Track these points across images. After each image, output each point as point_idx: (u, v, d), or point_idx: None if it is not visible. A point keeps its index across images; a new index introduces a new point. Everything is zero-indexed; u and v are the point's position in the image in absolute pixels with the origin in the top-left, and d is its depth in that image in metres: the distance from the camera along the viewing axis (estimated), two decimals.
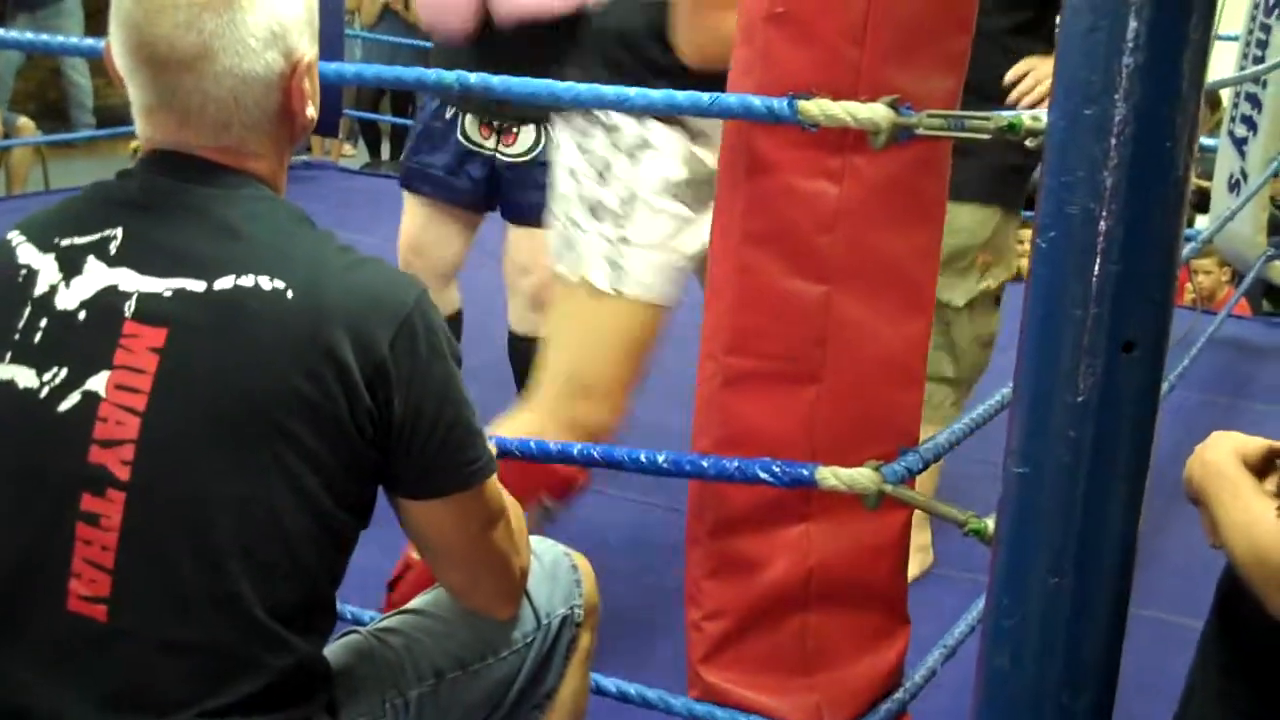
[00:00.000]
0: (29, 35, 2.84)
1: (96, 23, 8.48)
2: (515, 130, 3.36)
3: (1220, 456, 1.44)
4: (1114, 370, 1.18)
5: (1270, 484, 1.42)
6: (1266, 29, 4.99)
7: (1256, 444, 1.46)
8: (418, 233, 3.53)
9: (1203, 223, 5.90)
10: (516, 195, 3.39)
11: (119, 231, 1.39)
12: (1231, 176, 5.22)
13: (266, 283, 1.35)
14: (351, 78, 2.26)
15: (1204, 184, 5.78)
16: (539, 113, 3.21)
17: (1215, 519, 1.41)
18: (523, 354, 3.22)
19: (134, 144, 5.86)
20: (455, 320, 3.64)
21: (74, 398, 1.35)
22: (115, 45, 1.42)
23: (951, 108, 1.77)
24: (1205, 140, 5.29)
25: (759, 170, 1.80)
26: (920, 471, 1.88)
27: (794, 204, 1.79)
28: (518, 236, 3.44)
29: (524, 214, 3.35)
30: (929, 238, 1.85)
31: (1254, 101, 5.11)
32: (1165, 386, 1.31)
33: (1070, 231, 1.18)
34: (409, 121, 8.66)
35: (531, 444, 2.02)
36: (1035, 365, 1.21)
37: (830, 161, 1.77)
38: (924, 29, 1.76)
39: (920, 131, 1.63)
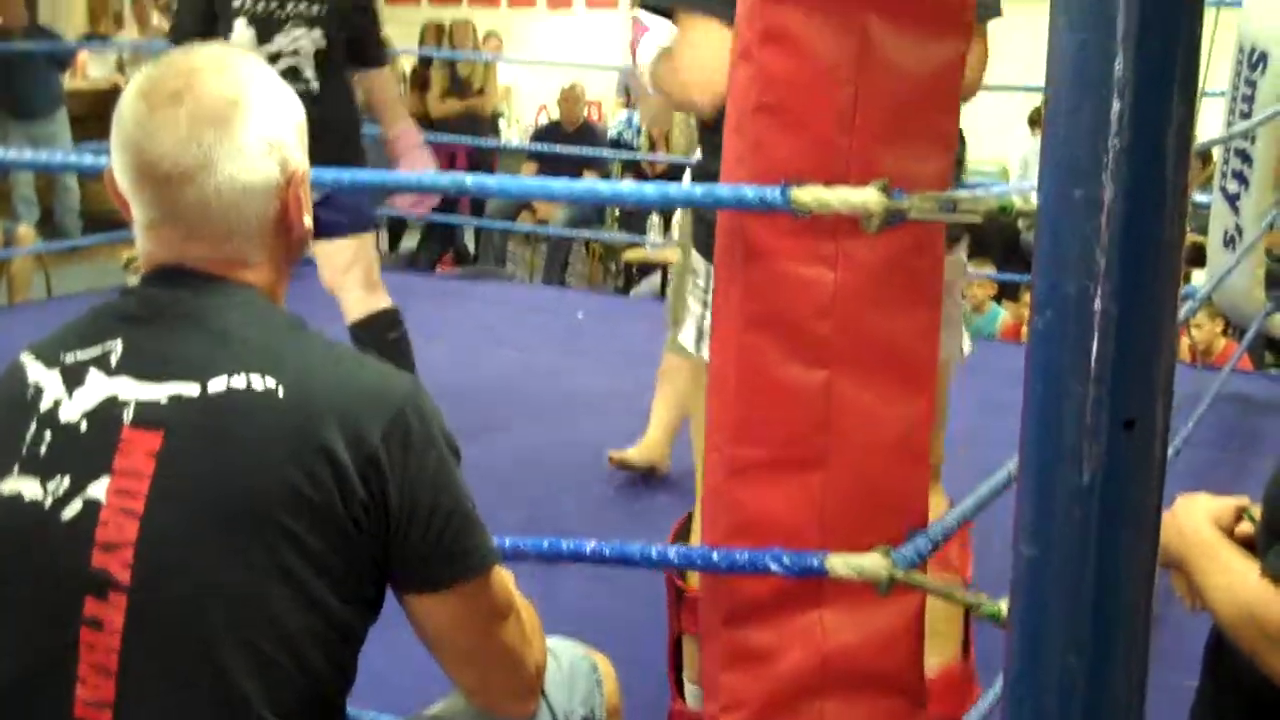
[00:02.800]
0: (29, 154, 2.89)
1: (81, 129, 8.62)
2: None
3: (1194, 521, 1.45)
4: (1117, 449, 1.17)
5: (1242, 533, 1.43)
6: (1251, 84, 5.03)
7: (1226, 504, 1.47)
8: None
9: (1199, 278, 5.91)
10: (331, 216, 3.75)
11: (118, 344, 1.43)
12: (1226, 232, 5.24)
13: (259, 382, 1.37)
14: (359, 182, 2.28)
15: (1198, 239, 5.80)
16: None
17: (1197, 583, 1.41)
18: (372, 332, 3.86)
19: (127, 254, 5.94)
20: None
21: (76, 505, 1.37)
22: (117, 166, 1.45)
23: (943, 188, 1.78)
24: (1197, 196, 5.32)
25: (754, 258, 1.81)
26: (931, 554, 1.88)
27: (791, 290, 1.80)
28: (328, 250, 3.91)
29: (342, 229, 3.87)
30: (927, 317, 1.86)
31: (1244, 157, 5.14)
32: (1171, 451, 1.31)
33: (1066, 311, 1.18)
34: (427, 217, 8.86)
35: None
36: (1038, 446, 1.21)
37: (825, 247, 1.78)
38: (911, 112, 1.77)
39: (913, 215, 1.64)
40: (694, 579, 2.38)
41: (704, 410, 2.30)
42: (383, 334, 3.88)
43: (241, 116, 1.42)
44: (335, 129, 3.82)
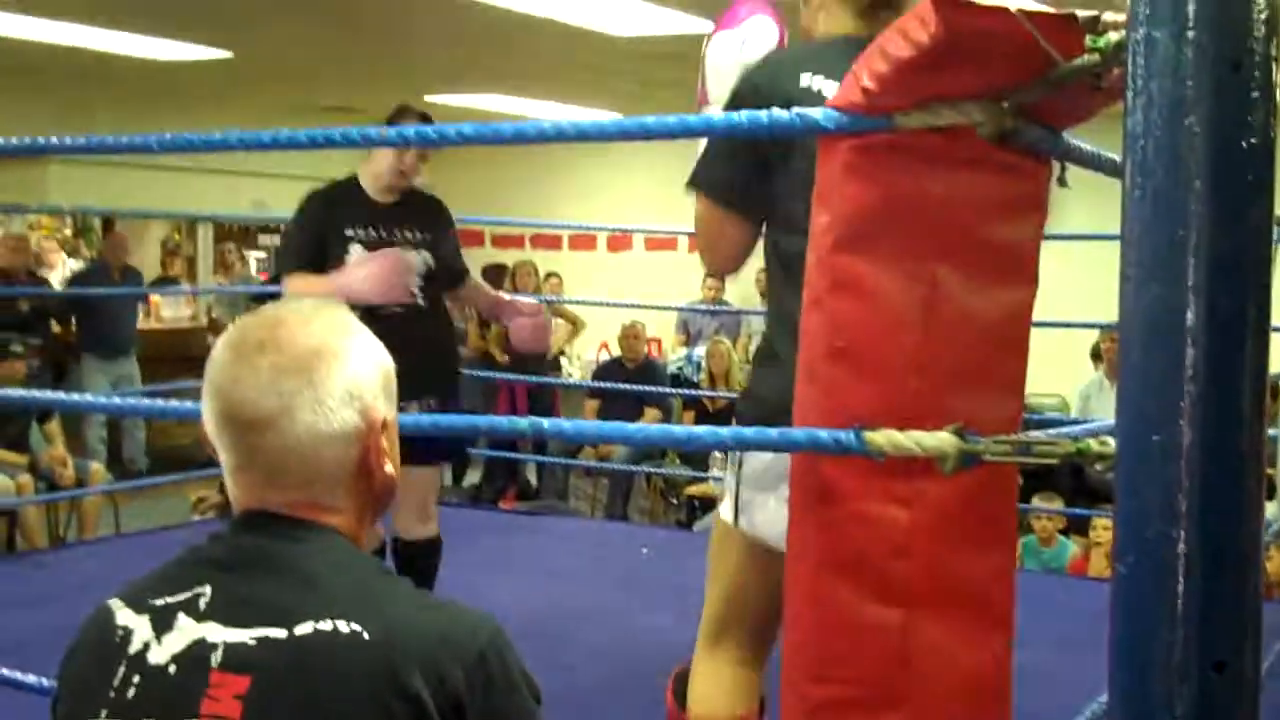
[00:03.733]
0: (106, 398, 2.96)
1: (152, 368, 8.84)
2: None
3: None
4: (1208, 692, 1.17)
5: None
6: None
7: None
8: None
9: (1270, 510, 5.84)
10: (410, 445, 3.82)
11: (207, 589, 1.45)
12: None
13: (344, 626, 1.39)
14: (427, 425, 2.33)
15: (1269, 471, 5.76)
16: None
17: None
18: (410, 557, 4.01)
19: (195, 494, 5.97)
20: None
21: None
22: (205, 412, 1.50)
23: (1015, 429, 1.81)
24: (1269, 431, 5.28)
25: (829, 500, 1.83)
26: None
27: (866, 531, 1.81)
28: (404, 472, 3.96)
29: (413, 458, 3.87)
30: (1003, 557, 1.87)
31: None
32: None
33: (1149, 555, 1.19)
34: (471, 451, 8.94)
35: None
36: (1127, 690, 1.21)
37: (899, 488, 1.80)
38: (981, 356, 1.81)
39: (987, 457, 1.67)
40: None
41: (723, 566, 2.51)
42: (424, 559, 4.08)
43: (323, 366, 1.46)
44: (440, 344, 4.15)
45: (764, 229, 2.39)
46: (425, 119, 3.97)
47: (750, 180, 2.31)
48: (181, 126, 3.57)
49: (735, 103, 2.28)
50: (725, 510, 2.48)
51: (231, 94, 10.62)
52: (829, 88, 2.17)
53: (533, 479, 9.32)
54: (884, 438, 1.71)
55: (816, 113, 1.75)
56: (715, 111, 2.50)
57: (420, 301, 4.01)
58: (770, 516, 2.29)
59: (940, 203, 1.77)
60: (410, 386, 3.33)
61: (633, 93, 10.03)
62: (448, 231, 4.21)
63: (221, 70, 9.41)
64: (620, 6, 6.91)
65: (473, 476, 9.48)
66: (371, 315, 3.78)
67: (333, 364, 1.47)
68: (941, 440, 1.68)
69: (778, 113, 1.79)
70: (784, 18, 2.59)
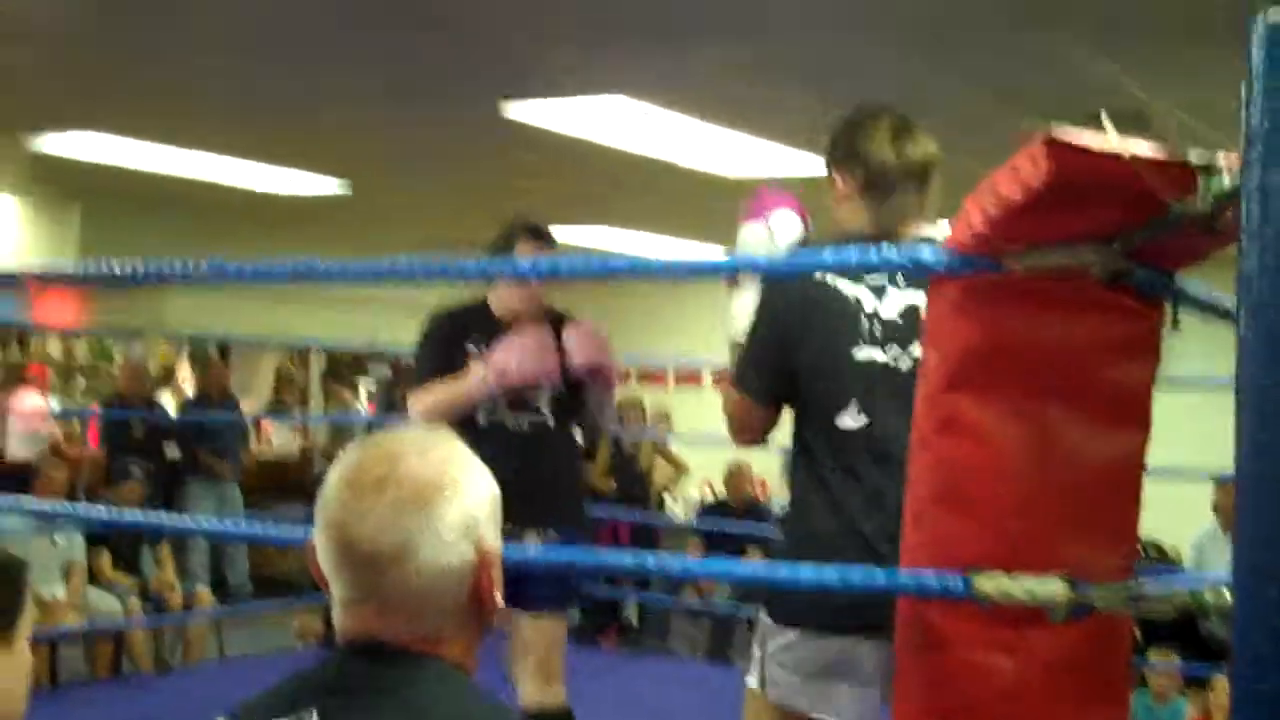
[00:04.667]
0: (227, 524, 2.99)
1: (258, 494, 8.97)
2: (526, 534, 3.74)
3: None
4: None
5: None
6: None
7: None
8: None
9: None
10: (532, 588, 3.67)
11: (314, 713, 1.44)
12: None
13: None
14: (529, 561, 2.33)
15: None
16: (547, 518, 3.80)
17: None
18: None
19: (298, 620, 5.98)
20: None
21: None
22: (319, 545, 1.50)
23: (1126, 578, 1.76)
24: None
25: (934, 646, 1.79)
26: None
27: (972, 679, 1.77)
28: (525, 623, 3.80)
29: (536, 604, 3.76)
30: (1115, 713, 1.81)
31: None
32: None
33: (1266, 711, 1.15)
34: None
35: None
36: None
37: (1005, 635, 1.76)
38: (1093, 502, 1.77)
39: (1099, 606, 1.62)
40: None
41: None
42: None
43: (442, 500, 1.46)
44: (566, 470, 4.04)
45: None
46: (540, 234, 3.95)
47: (779, 381, 2.61)
48: (298, 259, 3.64)
49: (763, 303, 2.63)
50: (752, 680, 2.63)
51: (347, 228, 10.87)
52: (844, 284, 2.55)
53: (634, 618, 9.24)
54: (992, 583, 1.67)
55: (925, 252, 1.74)
56: (745, 294, 2.74)
57: (549, 421, 3.89)
58: (786, 690, 2.54)
59: (1051, 344, 1.75)
60: (529, 512, 3.28)
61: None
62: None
63: (338, 205, 9.65)
64: (730, 148, 6.99)
65: (572, 615, 9.42)
66: (498, 433, 3.77)
67: (450, 498, 1.47)
68: (1051, 587, 1.64)
69: (888, 249, 1.79)
70: (805, 208, 2.81)
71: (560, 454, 3.99)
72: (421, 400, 3.79)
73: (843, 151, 2.65)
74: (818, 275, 2.54)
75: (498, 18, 5.07)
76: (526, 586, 3.55)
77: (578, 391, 3.92)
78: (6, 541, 6.22)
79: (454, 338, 3.87)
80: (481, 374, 3.70)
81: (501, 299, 3.93)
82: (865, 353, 2.52)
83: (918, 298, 2.49)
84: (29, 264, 9.97)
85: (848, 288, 2.55)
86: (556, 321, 3.94)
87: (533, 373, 3.69)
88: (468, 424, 3.70)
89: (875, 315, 2.54)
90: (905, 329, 2.51)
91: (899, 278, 2.54)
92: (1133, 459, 1.84)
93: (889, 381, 2.50)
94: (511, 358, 3.68)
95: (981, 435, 1.76)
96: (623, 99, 6.12)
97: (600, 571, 3.62)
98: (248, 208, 10.10)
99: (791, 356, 2.57)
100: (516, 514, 3.08)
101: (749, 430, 2.69)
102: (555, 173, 8.23)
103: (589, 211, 10.13)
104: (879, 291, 2.55)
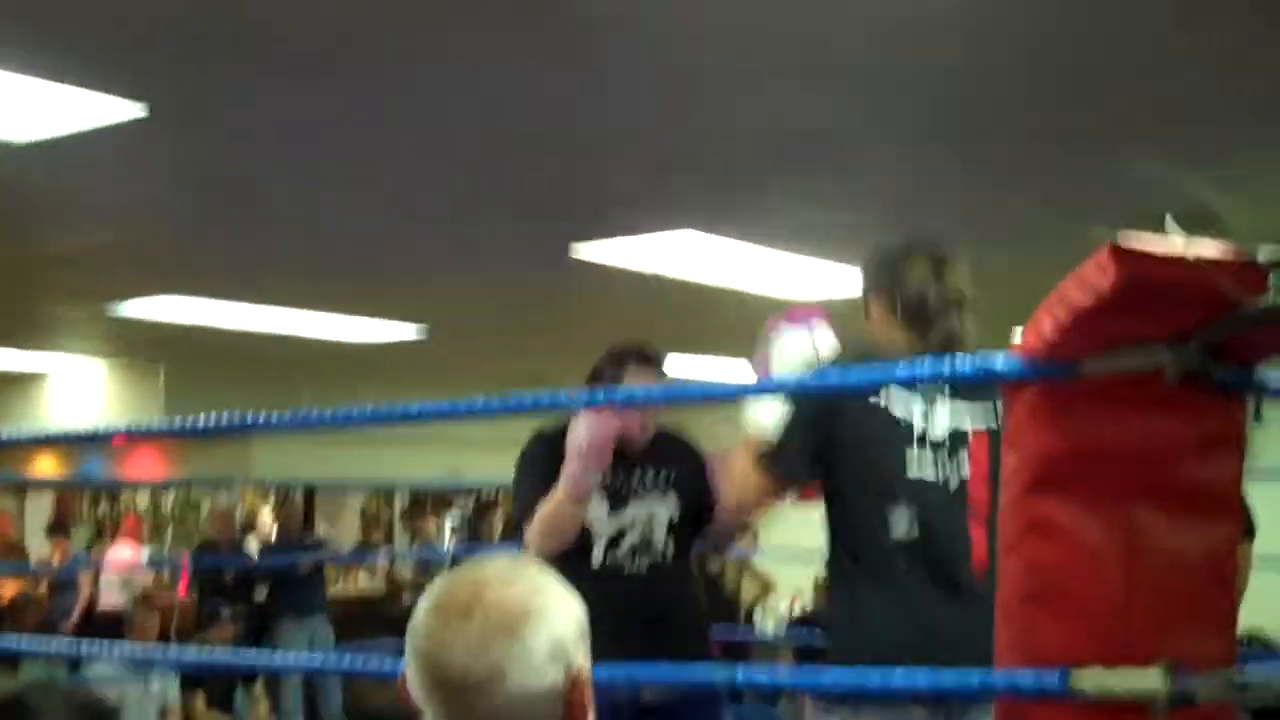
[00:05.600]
0: (319, 658, 3.01)
1: (347, 630, 9.01)
2: None
3: None
4: None
5: None
6: None
7: None
8: None
9: None
10: None
11: None
12: None
13: None
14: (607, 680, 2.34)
15: None
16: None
17: None
18: None
19: None
20: None
21: None
22: (411, 675, 1.53)
23: (1227, 667, 1.76)
24: None
25: None
26: None
27: None
28: None
29: None
30: None
31: None
32: None
33: None
34: None
35: None
36: None
37: None
38: (1187, 594, 1.78)
39: (1201, 697, 1.63)
40: None
41: None
42: None
43: (530, 626, 1.49)
44: (685, 606, 3.68)
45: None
46: (652, 359, 3.73)
47: (812, 467, 2.76)
48: (378, 402, 3.65)
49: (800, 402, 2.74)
50: None
51: (424, 370, 11.01)
52: (895, 404, 2.70)
53: None
54: (1090, 679, 1.69)
55: (999, 360, 1.78)
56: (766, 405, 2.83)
57: (666, 558, 3.60)
58: None
59: (1131, 445, 1.77)
60: (651, 659, 3.21)
61: None
62: (697, 469, 3.70)
63: (415, 349, 9.79)
64: (805, 273, 7.05)
65: None
66: (609, 577, 3.52)
67: (538, 623, 1.49)
68: (1151, 680, 1.65)
69: (960, 358, 1.83)
70: (835, 322, 3.05)
71: (679, 588, 3.68)
72: (533, 530, 3.46)
73: (883, 281, 2.84)
74: (870, 397, 2.69)
75: (563, 170, 5.21)
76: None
77: (696, 515, 3.65)
78: (103, 688, 6.32)
79: (556, 459, 3.48)
80: (563, 477, 3.37)
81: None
82: (915, 471, 2.69)
83: (963, 421, 2.73)
84: (116, 423, 10.19)
85: (899, 409, 2.72)
86: (670, 443, 3.73)
87: (602, 434, 3.35)
88: (580, 565, 3.43)
89: (924, 436, 2.72)
90: (952, 450, 2.71)
91: (944, 401, 2.72)
92: (1224, 550, 1.84)
93: (939, 497, 2.68)
94: (578, 434, 3.35)
95: (1068, 536, 1.77)
96: (693, 233, 6.24)
97: (691, 684, 3.48)
98: (327, 357, 10.29)
99: (834, 450, 2.72)
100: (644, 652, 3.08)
101: (747, 512, 2.95)
102: (626, 306, 8.33)
103: (661, 342, 10.21)
104: (926, 415, 2.73)
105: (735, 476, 2.80)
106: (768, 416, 2.78)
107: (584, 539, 3.52)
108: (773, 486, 2.77)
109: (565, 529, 3.42)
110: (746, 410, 2.84)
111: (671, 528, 3.63)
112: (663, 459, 3.68)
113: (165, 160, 4.94)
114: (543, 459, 3.55)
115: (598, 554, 3.56)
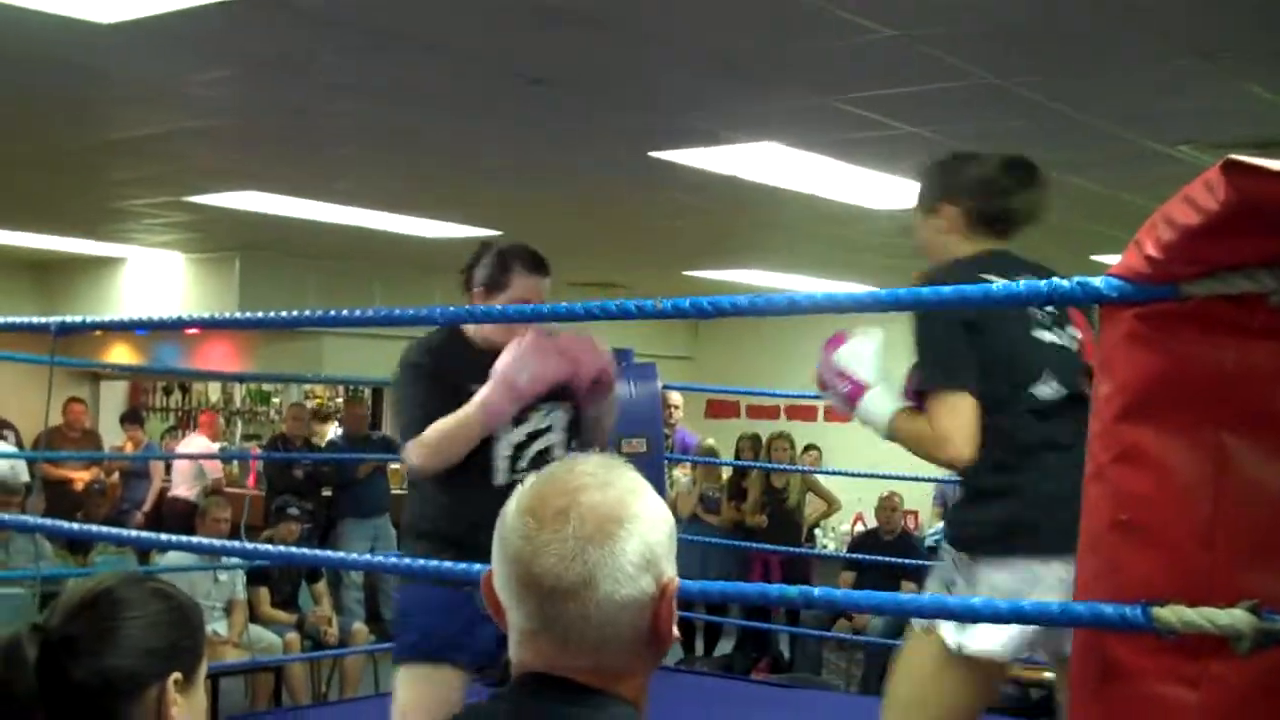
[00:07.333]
0: (379, 558, 3.02)
1: None
2: None
3: None
4: None
5: None
6: None
7: None
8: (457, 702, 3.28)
9: None
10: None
11: None
12: None
13: None
14: (697, 594, 2.34)
15: None
16: None
17: None
18: None
19: None
20: None
21: None
22: (499, 578, 1.51)
23: None
24: None
25: (1114, 678, 1.77)
26: None
27: (1154, 713, 1.74)
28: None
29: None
30: None
31: None
32: None
33: None
34: (724, 619, 8.91)
35: None
36: None
37: (1188, 668, 1.73)
38: (1273, 532, 1.73)
39: None
40: None
41: (935, 692, 2.74)
42: None
43: (623, 534, 1.46)
44: None
45: None
46: (541, 263, 3.51)
47: (975, 370, 2.69)
48: (449, 302, 3.59)
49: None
50: (949, 634, 2.64)
51: None
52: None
53: (786, 652, 9.20)
54: (1173, 614, 1.65)
55: (1099, 281, 1.73)
56: (879, 393, 2.81)
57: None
58: (1001, 634, 2.55)
59: (1229, 372, 1.72)
60: None
61: (885, 266, 10.06)
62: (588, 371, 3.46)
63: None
64: (874, 183, 6.98)
65: (725, 646, 9.42)
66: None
67: (632, 530, 1.47)
68: (1236, 618, 1.61)
69: (1058, 281, 1.78)
70: None
71: None
72: (424, 443, 3.30)
73: (959, 188, 2.84)
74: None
75: (641, 81, 5.17)
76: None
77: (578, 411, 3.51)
78: (175, 579, 6.43)
79: (443, 373, 3.35)
80: (487, 393, 3.22)
81: (489, 332, 3.42)
82: (1042, 334, 2.75)
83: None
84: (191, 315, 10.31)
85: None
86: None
87: (546, 377, 3.26)
88: (480, 478, 3.32)
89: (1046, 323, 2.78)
90: (1060, 316, 2.79)
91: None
92: None
93: (1069, 359, 2.74)
94: (520, 365, 3.23)
95: (1159, 465, 1.73)
96: (769, 145, 6.20)
97: (755, 603, 3.43)
98: (399, 254, 10.31)
99: (979, 344, 2.67)
100: None
101: (969, 435, 2.65)
102: (706, 215, 8.29)
103: (736, 253, 10.17)
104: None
105: (926, 435, 2.70)
106: (884, 400, 2.79)
107: (484, 452, 3.34)
108: (967, 404, 2.65)
109: (462, 451, 3.29)
110: (868, 415, 2.82)
111: (568, 437, 3.48)
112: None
113: (249, 47, 4.91)
114: (429, 372, 3.38)
115: (501, 469, 3.37)
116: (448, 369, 3.35)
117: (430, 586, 3.33)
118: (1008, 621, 2.06)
